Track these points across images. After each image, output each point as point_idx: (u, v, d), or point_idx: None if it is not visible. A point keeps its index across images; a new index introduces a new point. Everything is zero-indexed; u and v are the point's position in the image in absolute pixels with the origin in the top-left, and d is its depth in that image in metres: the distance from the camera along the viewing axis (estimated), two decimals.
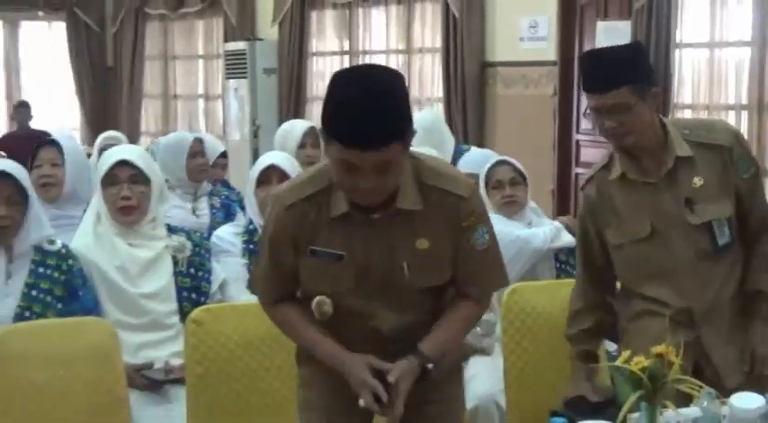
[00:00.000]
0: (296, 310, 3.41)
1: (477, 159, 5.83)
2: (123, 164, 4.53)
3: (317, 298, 3.32)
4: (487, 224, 3.35)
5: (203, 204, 6.20)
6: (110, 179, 4.51)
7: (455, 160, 6.30)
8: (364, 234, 3.23)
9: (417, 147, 3.51)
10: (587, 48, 8.80)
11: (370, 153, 2.92)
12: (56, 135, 6.32)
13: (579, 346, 4.05)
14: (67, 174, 5.26)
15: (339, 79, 3.07)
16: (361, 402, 3.14)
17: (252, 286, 4.38)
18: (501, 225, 4.68)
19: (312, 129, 6.73)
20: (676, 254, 3.79)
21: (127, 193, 4.49)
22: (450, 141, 6.91)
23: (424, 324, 3.34)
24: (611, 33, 8.60)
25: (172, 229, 4.69)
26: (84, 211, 4.76)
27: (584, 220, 4.01)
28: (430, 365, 3.26)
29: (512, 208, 5.22)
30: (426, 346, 3.27)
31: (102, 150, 6.87)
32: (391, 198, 3.17)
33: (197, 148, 6.29)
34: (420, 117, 6.68)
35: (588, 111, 3.88)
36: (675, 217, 3.77)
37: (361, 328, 3.32)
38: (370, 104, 2.94)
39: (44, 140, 5.53)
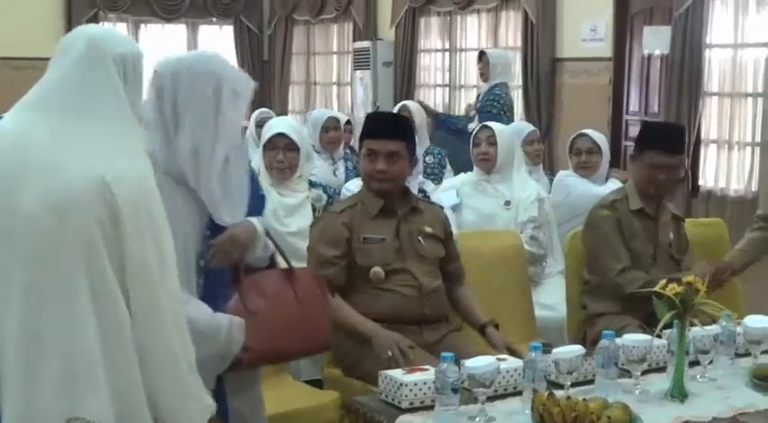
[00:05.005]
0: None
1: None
2: (281, 135, 4.60)
3: (373, 268, 3.64)
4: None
5: (341, 166, 6.24)
6: (271, 145, 4.60)
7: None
8: (394, 224, 3.72)
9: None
10: (636, 47, 8.70)
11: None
12: None
13: None
14: None
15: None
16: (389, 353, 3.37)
17: None
18: (581, 184, 4.73)
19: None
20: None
21: (281, 158, 4.58)
22: None
23: (442, 291, 3.78)
24: (655, 36, 8.43)
25: (312, 184, 4.75)
26: None
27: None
28: (496, 322, 3.74)
29: (586, 172, 5.19)
30: (482, 316, 3.78)
31: (257, 122, 6.96)
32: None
33: (330, 124, 6.31)
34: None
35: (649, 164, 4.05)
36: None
37: (408, 288, 3.66)
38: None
39: None
